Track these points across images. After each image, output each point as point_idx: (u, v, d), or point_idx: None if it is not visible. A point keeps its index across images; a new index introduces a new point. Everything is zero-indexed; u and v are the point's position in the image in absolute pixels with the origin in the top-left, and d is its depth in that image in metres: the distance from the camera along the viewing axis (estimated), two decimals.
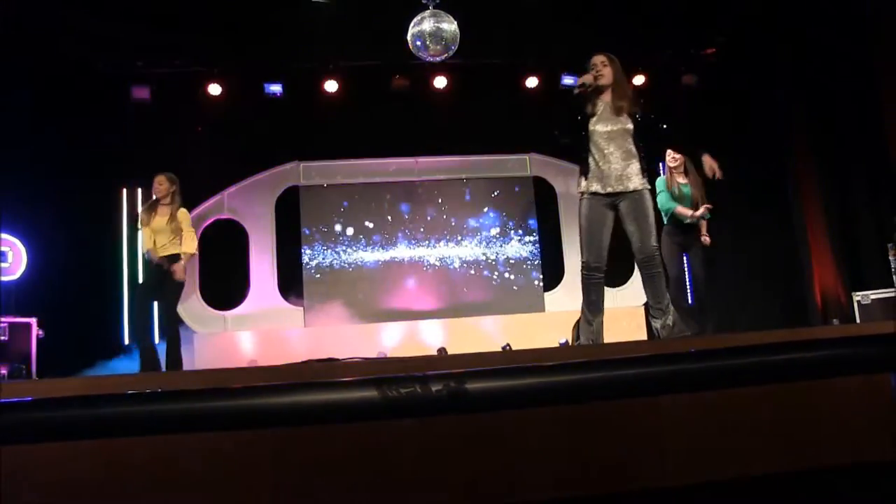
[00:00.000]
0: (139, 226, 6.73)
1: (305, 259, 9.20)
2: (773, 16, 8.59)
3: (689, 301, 7.09)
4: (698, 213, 6.29)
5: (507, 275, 9.52)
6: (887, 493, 2.42)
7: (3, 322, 7.02)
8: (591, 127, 4.62)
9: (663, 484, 2.38)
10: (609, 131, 4.59)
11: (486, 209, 9.63)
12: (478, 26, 7.40)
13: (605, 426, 2.37)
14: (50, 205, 7.97)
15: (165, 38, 8.16)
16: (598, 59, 4.71)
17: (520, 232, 9.59)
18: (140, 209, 6.84)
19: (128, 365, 7.77)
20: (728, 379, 2.30)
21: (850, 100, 8.21)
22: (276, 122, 9.04)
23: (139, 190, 8.71)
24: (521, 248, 9.59)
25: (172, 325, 6.76)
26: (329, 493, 2.14)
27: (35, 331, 7.14)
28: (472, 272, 9.48)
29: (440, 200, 9.58)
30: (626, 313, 8.94)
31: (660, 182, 6.50)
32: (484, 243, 9.54)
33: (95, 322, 8.30)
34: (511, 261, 9.55)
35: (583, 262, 4.65)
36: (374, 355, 7.59)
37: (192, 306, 8.67)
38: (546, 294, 9.42)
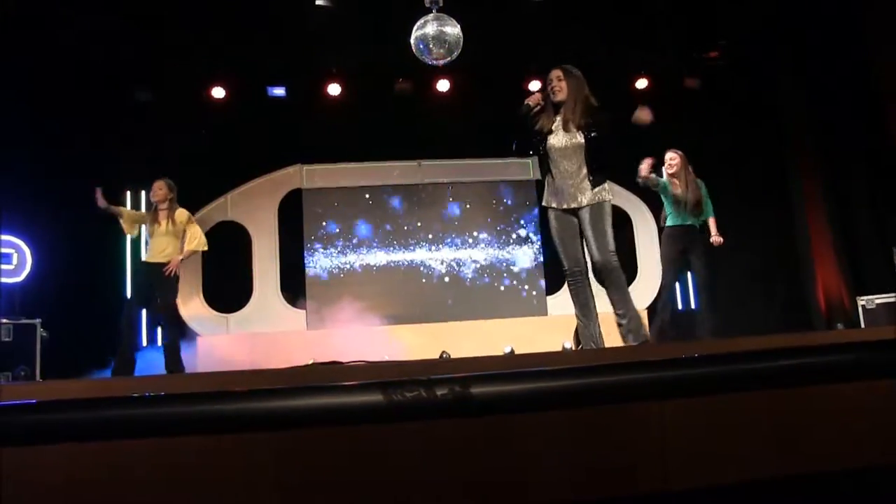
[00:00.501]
0: (144, 229, 6.72)
1: (308, 262, 9.21)
2: (775, 18, 8.59)
3: (678, 308, 7.07)
4: (714, 235, 6.35)
5: (509, 278, 9.51)
6: (892, 500, 2.41)
7: (8, 324, 7.04)
8: (548, 142, 4.61)
9: (666, 488, 2.38)
10: (563, 147, 4.57)
11: (489, 213, 9.63)
12: (481, 30, 7.40)
13: (608, 430, 2.37)
14: (54, 207, 7.99)
15: (169, 39, 8.17)
16: (555, 74, 4.67)
17: (523, 235, 9.58)
18: (144, 211, 6.83)
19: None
20: (732, 384, 2.30)
21: (853, 103, 8.19)
22: (279, 125, 9.05)
23: (143, 192, 8.72)
24: (524, 251, 9.58)
25: (172, 331, 6.74)
26: (333, 497, 2.13)
27: (39, 332, 7.15)
28: (475, 276, 9.47)
29: (443, 204, 9.58)
30: None
31: (661, 183, 6.53)
32: (487, 247, 9.53)
33: (99, 324, 8.29)
34: (514, 264, 9.55)
35: (564, 271, 4.72)
36: (377, 358, 7.58)
37: (194, 309, 8.68)
38: (549, 298, 9.41)
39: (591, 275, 4.82)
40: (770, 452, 2.46)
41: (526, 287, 9.52)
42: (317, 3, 7.62)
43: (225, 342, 8.64)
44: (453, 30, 6.65)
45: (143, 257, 6.76)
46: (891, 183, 7.67)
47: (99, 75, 8.43)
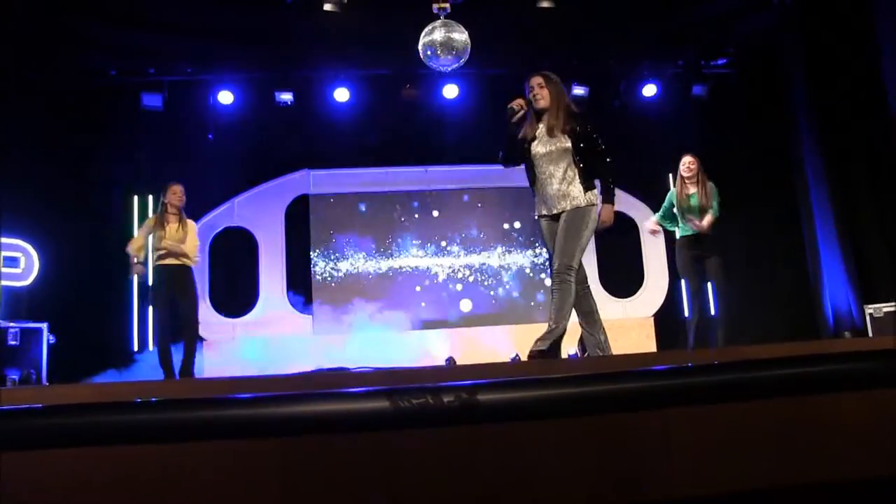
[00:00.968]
0: (150, 231, 6.68)
1: (314, 267, 9.22)
2: (783, 27, 8.59)
3: (708, 314, 7.06)
4: (705, 222, 6.32)
5: (515, 284, 9.50)
6: None
7: (15, 327, 7.06)
8: (532, 150, 4.57)
9: (672, 496, 2.37)
10: (547, 153, 4.51)
11: (495, 218, 9.62)
12: (488, 36, 7.40)
13: (615, 438, 2.36)
14: (61, 211, 8.02)
15: (177, 45, 8.20)
16: (535, 82, 4.63)
17: (529, 241, 9.57)
18: (147, 225, 6.79)
19: (137, 370, 7.80)
20: (738, 392, 2.29)
21: (862, 110, 8.17)
22: (286, 131, 9.07)
23: (150, 197, 8.74)
24: (530, 257, 9.57)
25: (194, 339, 6.64)
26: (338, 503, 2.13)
27: (46, 336, 7.17)
28: (482, 282, 9.47)
29: (449, 210, 9.58)
30: (637, 324, 8.93)
31: (668, 197, 6.60)
32: (494, 253, 9.53)
33: (105, 328, 8.33)
34: (520, 270, 9.54)
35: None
36: (384, 364, 7.57)
37: (201, 313, 8.67)
38: None
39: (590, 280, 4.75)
40: (776, 461, 2.45)
41: (532, 294, 9.50)
42: (325, 8, 7.64)
43: (231, 346, 8.65)
44: (461, 36, 6.66)
45: (154, 262, 6.69)
46: None
47: (107, 79, 8.46)
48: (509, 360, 7.62)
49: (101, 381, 7.09)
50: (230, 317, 8.90)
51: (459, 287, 9.43)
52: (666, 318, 9.15)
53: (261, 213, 9.14)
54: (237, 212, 9.11)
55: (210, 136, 8.96)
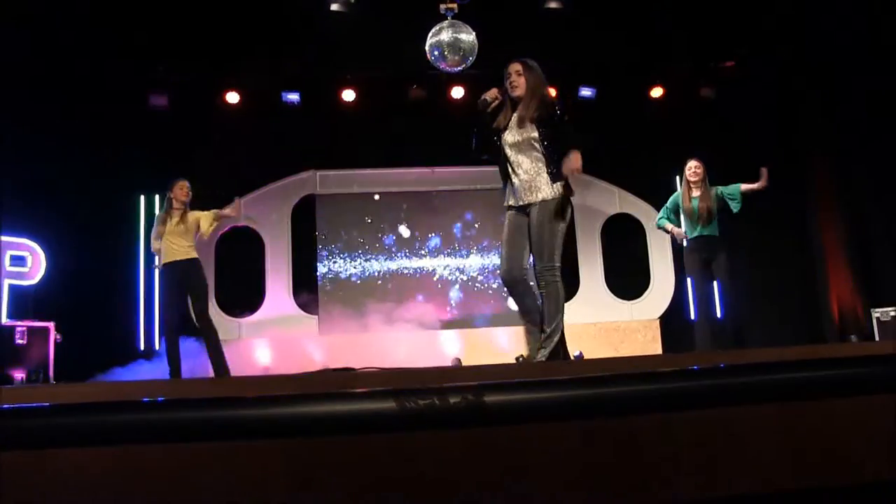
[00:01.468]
0: (158, 231, 6.66)
1: (320, 267, 9.23)
2: (793, 32, 8.57)
3: (717, 317, 7.04)
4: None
5: None
6: None
7: (22, 326, 7.08)
8: (502, 139, 4.42)
9: (678, 499, 2.37)
10: (517, 142, 4.35)
11: (501, 219, 9.59)
12: (496, 37, 7.40)
13: (621, 440, 2.36)
14: (68, 210, 8.04)
15: (184, 45, 8.21)
16: (513, 68, 4.43)
17: None
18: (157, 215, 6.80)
19: (144, 369, 7.81)
20: (745, 396, 2.29)
21: (869, 115, 8.15)
22: (293, 131, 9.08)
23: (156, 196, 8.75)
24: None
25: (213, 335, 6.48)
26: None
27: (53, 335, 7.19)
28: (487, 283, 9.46)
29: (456, 210, 9.58)
30: (642, 326, 8.91)
31: (671, 199, 6.61)
32: (499, 254, 9.51)
33: (112, 327, 8.35)
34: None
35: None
36: (390, 365, 7.57)
37: None
38: None
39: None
40: (782, 465, 2.44)
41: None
42: (332, 8, 7.65)
43: (237, 346, 8.65)
44: (468, 37, 6.66)
45: (162, 260, 6.61)
46: None
47: (114, 80, 8.48)
48: (515, 360, 7.61)
49: (108, 380, 7.09)
50: (236, 317, 8.92)
51: (465, 287, 9.42)
52: (672, 321, 9.13)
53: (267, 212, 9.14)
54: (243, 212, 9.10)
55: (216, 136, 8.95)
